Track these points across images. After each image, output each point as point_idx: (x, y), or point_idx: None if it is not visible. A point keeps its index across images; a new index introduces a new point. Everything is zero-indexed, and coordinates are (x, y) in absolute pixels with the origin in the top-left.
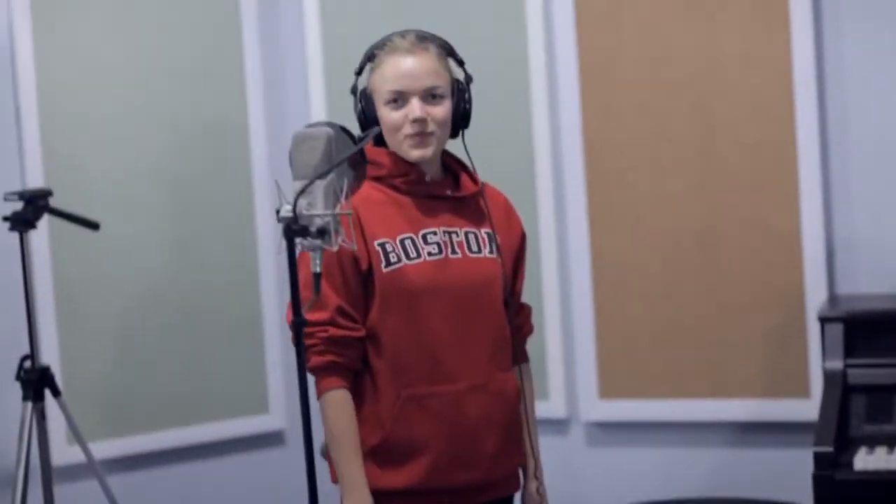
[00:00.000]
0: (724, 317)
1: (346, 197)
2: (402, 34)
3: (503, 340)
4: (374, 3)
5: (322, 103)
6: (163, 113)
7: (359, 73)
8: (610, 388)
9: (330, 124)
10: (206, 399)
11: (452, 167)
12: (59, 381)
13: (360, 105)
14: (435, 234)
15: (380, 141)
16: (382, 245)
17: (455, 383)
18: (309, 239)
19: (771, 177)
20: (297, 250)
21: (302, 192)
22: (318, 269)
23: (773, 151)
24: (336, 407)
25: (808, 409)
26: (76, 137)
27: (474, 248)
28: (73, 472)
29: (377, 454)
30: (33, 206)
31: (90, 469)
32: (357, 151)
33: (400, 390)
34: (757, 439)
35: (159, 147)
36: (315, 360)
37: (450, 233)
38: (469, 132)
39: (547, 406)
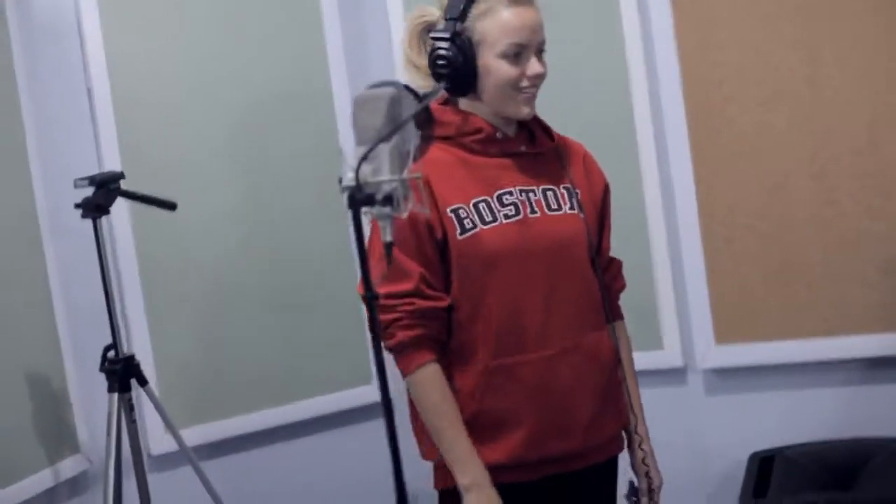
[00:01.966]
0: (839, 252)
1: (415, 159)
2: None
3: (592, 299)
4: None
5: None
6: (240, 85)
7: (460, 17)
8: (726, 333)
9: (393, 83)
10: (303, 375)
11: (526, 122)
12: (152, 368)
13: (457, 54)
14: (511, 194)
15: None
16: (455, 211)
17: (545, 349)
18: (377, 207)
19: (881, 105)
20: (367, 220)
21: (365, 158)
22: (388, 239)
23: (882, 78)
24: (433, 381)
25: None
26: (152, 118)
27: (553, 205)
28: (171, 460)
29: (469, 429)
30: (105, 191)
31: (185, 456)
32: (422, 110)
33: (488, 361)
34: (882, 375)
35: (239, 120)
36: (402, 334)
37: (526, 191)
38: (562, 74)
39: (662, 356)
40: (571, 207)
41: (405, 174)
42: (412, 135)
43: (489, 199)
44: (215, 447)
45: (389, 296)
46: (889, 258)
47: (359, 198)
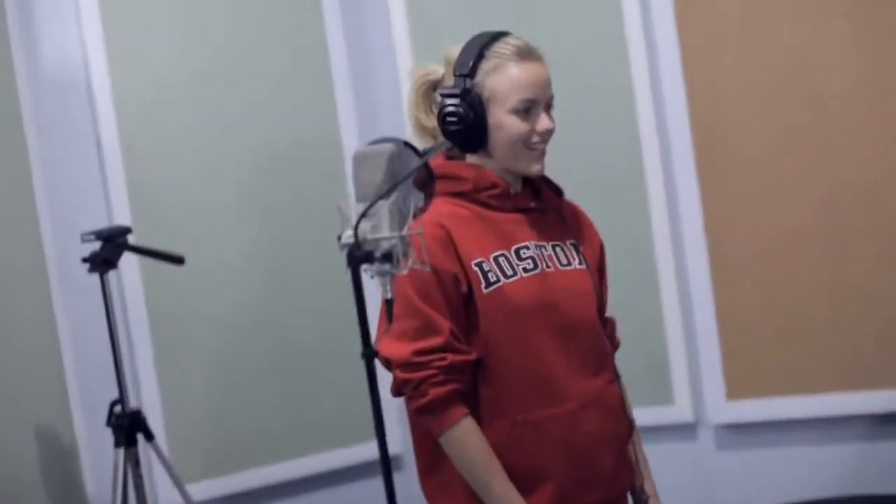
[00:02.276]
0: (852, 305)
1: (415, 216)
2: (510, 36)
3: (606, 353)
4: (464, 8)
5: None
6: (249, 135)
7: (470, 74)
8: (737, 388)
9: (393, 139)
10: (312, 430)
11: (530, 178)
12: (161, 421)
13: (468, 110)
14: (527, 248)
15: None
16: (479, 265)
17: (568, 402)
18: (376, 264)
19: (892, 151)
20: (369, 277)
21: (364, 215)
22: (389, 296)
23: (889, 124)
24: (473, 435)
25: None
26: (161, 169)
27: (563, 260)
28: None
29: None
30: (112, 245)
31: None
32: (423, 167)
33: (514, 416)
34: (894, 431)
35: (248, 172)
36: (434, 391)
37: (539, 246)
38: (574, 124)
39: (673, 411)
40: (580, 263)
41: (405, 231)
42: (412, 192)
43: (507, 254)
44: (223, 502)
45: (420, 352)
46: None
47: (358, 255)
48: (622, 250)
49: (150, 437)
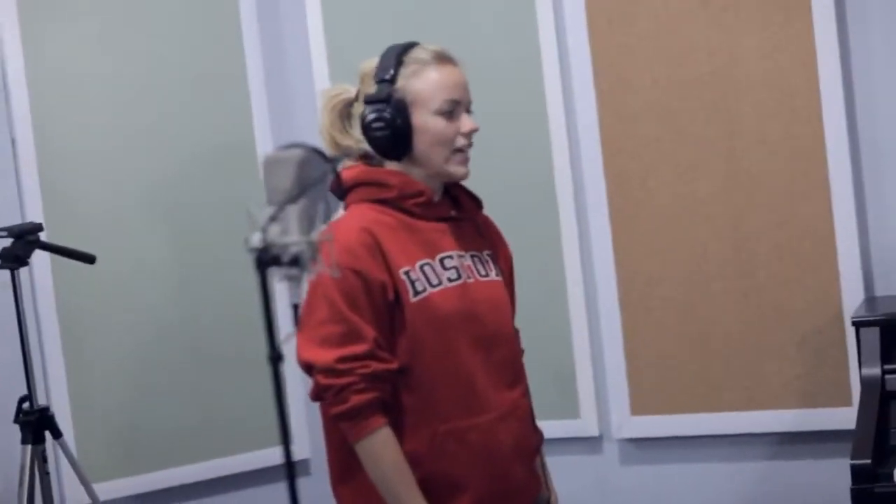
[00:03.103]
0: (757, 325)
1: (323, 222)
2: (423, 44)
3: (520, 364)
4: (378, 11)
5: None
6: (164, 138)
7: (391, 80)
8: (642, 403)
9: (301, 145)
10: (220, 433)
11: (450, 187)
12: (69, 420)
13: (394, 115)
14: (451, 258)
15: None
16: (407, 273)
17: (488, 412)
18: (283, 268)
19: (800, 177)
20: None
21: (273, 219)
22: (295, 301)
23: (800, 151)
24: (390, 445)
25: (849, 417)
26: (76, 169)
27: (482, 271)
28: None
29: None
30: (23, 242)
31: None
32: (330, 174)
33: (437, 426)
34: (796, 450)
35: (163, 173)
36: (356, 398)
37: (460, 256)
38: (486, 141)
39: (578, 424)
40: (497, 274)
41: (313, 236)
42: (321, 198)
43: (432, 262)
44: (130, 501)
45: (344, 359)
46: (806, 333)
47: (265, 259)
48: (532, 264)
49: (57, 434)
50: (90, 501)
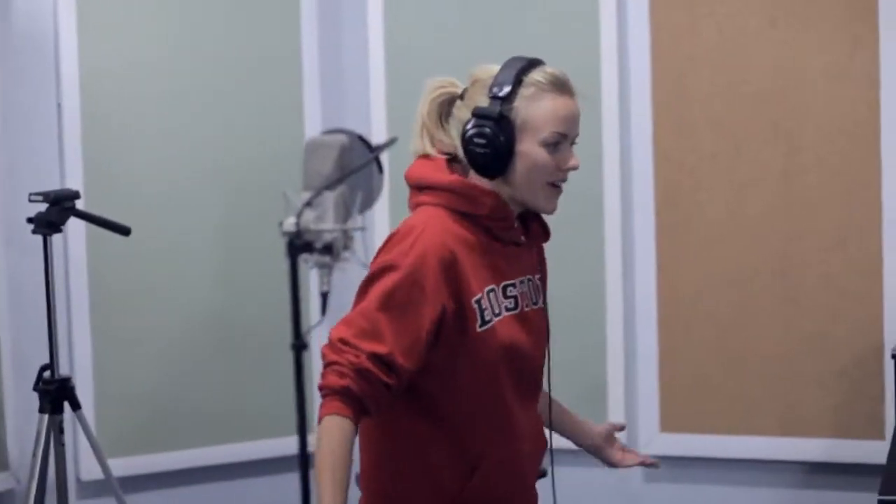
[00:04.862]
0: (797, 350)
1: (360, 211)
2: (546, 65)
3: (540, 386)
4: (439, 7)
5: (382, 108)
6: (213, 120)
7: (505, 98)
8: (672, 420)
9: (346, 131)
10: (241, 418)
11: (525, 212)
12: (91, 392)
13: (499, 134)
14: (514, 286)
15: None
16: (479, 301)
17: (523, 443)
18: (315, 255)
19: (853, 204)
20: (308, 268)
21: (308, 204)
22: (325, 288)
23: (856, 178)
24: (335, 432)
25: (880, 451)
26: (119, 139)
27: (533, 298)
28: (99, 488)
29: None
30: (59, 209)
31: (111, 485)
32: (372, 162)
33: (478, 458)
34: (826, 481)
35: (207, 153)
36: (331, 379)
37: (521, 282)
38: None
39: None
40: (544, 301)
41: (349, 224)
42: (361, 186)
43: (496, 289)
44: (144, 480)
45: (347, 342)
46: (846, 362)
47: (298, 244)
48: (573, 272)
49: (76, 406)
50: (104, 476)
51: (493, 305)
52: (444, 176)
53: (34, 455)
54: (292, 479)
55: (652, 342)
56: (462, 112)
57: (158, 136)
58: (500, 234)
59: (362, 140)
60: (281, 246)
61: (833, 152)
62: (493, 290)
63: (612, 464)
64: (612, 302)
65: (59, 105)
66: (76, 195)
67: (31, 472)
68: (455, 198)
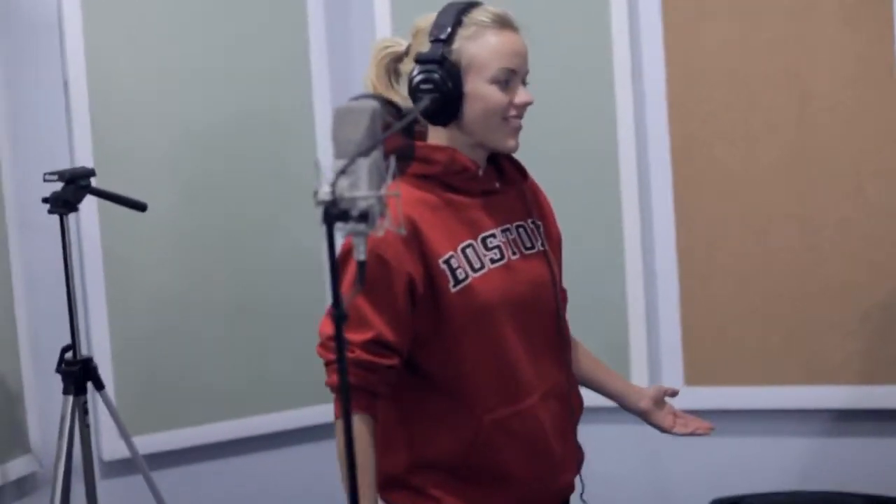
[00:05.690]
0: (819, 298)
1: (394, 177)
2: (486, 4)
3: (564, 338)
4: None
5: None
6: (220, 89)
7: (447, 41)
8: (696, 373)
9: (375, 97)
10: (263, 390)
11: (494, 156)
12: (110, 371)
13: (446, 78)
14: (494, 236)
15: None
16: (448, 262)
17: (531, 396)
18: (351, 223)
19: (871, 149)
20: (341, 236)
21: (343, 172)
22: (362, 257)
23: (873, 121)
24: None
25: None
26: (128, 115)
27: (528, 243)
28: (123, 467)
29: (461, 480)
30: (74, 187)
31: (136, 464)
32: (406, 128)
33: (480, 418)
34: (854, 428)
35: (217, 125)
36: (334, 378)
37: (505, 231)
38: (551, 107)
39: None
40: (542, 244)
41: (383, 191)
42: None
43: (474, 244)
44: (169, 456)
45: (335, 338)
46: (869, 308)
47: (334, 213)
48: (590, 228)
49: (100, 386)
50: (130, 455)
51: (470, 261)
52: (391, 142)
53: (60, 437)
54: (317, 448)
55: (673, 296)
56: (408, 65)
57: (166, 110)
58: (465, 186)
59: (392, 105)
60: (292, 213)
61: (848, 96)
62: (469, 245)
63: (663, 429)
64: (630, 257)
65: (65, 83)
66: (91, 173)
67: (58, 455)
68: (405, 162)
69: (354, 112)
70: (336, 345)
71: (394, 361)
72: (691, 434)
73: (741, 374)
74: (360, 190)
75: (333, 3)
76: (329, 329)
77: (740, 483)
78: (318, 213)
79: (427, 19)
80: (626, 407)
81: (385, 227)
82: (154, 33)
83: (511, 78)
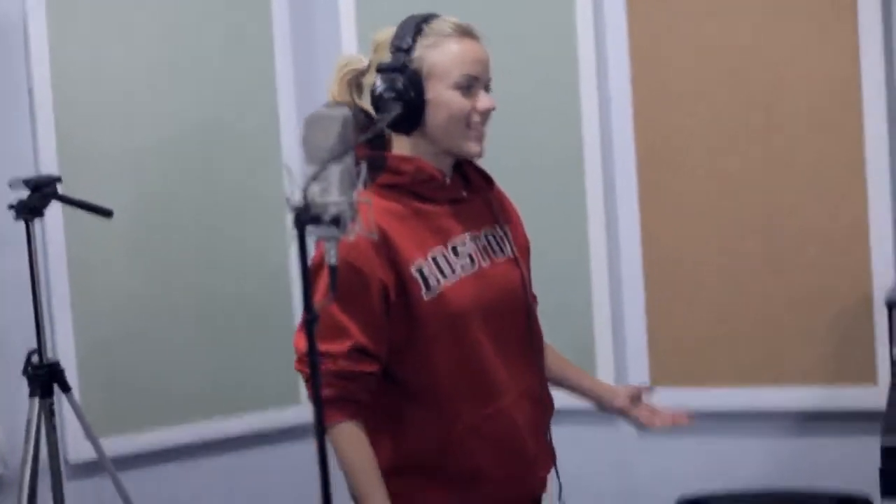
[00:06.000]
0: (786, 302)
1: (365, 184)
2: (446, 16)
3: (536, 341)
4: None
5: None
6: (184, 94)
7: (408, 50)
8: (662, 375)
9: (345, 105)
10: (230, 392)
11: (459, 164)
12: (75, 374)
13: (408, 86)
14: (464, 244)
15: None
16: (420, 270)
17: (503, 398)
18: (323, 228)
19: (834, 156)
20: (312, 241)
21: (315, 178)
22: (333, 261)
23: (836, 130)
24: (347, 441)
25: (874, 396)
26: (92, 122)
27: (497, 250)
28: (89, 469)
29: (438, 482)
30: (40, 194)
31: (103, 465)
32: (376, 135)
33: (453, 423)
34: (820, 428)
35: (180, 130)
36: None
37: (474, 238)
38: (517, 116)
39: None
40: (511, 250)
41: (354, 196)
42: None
43: (444, 251)
44: (135, 458)
45: (320, 353)
46: (836, 311)
47: (305, 218)
48: (556, 235)
49: (66, 388)
50: (96, 457)
51: (441, 268)
52: (358, 153)
53: (27, 440)
54: (286, 451)
55: (639, 301)
56: (370, 78)
57: (131, 117)
58: (432, 195)
59: (364, 112)
60: (259, 218)
61: (812, 107)
62: (439, 252)
63: (640, 425)
64: (596, 262)
65: (30, 90)
66: (57, 180)
67: (24, 457)
68: (376, 172)
69: (326, 119)
70: (308, 350)
71: (374, 368)
72: (672, 425)
73: (708, 376)
74: (331, 195)
75: (299, 13)
76: (304, 343)
77: (707, 482)
78: (284, 216)
79: (386, 33)
80: (602, 405)
81: (356, 232)
82: (120, 41)
83: (473, 84)
